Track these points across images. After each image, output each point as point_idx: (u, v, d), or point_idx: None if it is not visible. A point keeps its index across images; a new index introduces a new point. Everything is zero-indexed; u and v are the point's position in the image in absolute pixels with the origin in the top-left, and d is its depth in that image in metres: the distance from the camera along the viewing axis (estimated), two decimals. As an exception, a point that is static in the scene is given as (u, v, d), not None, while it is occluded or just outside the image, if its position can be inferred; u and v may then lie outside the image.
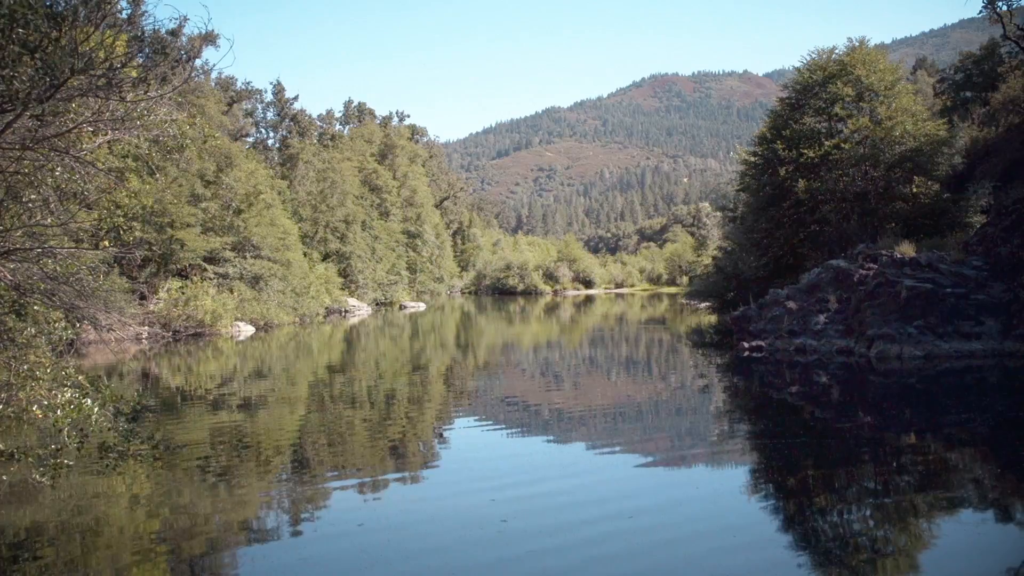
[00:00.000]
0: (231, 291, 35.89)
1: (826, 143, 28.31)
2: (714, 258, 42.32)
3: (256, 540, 7.59)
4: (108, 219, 8.81)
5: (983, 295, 19.21)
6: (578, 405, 15.67)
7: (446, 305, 67.02)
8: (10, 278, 7.86)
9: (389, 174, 71.53)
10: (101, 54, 6.72)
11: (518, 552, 6.97)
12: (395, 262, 66.55)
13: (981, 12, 27.73)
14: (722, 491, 8.92)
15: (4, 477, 9.05)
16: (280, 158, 60.34)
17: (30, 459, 7.48)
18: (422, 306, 62.61)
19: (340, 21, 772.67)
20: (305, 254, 47.71)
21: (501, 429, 13.27)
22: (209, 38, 39.54)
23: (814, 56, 30.50)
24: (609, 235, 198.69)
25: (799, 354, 20.62)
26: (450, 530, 7.61)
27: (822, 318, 21.34)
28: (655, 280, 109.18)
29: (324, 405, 15.91)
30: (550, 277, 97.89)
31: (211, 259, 36.52)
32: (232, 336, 32.95)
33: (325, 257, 53.83)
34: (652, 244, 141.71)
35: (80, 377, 8.11)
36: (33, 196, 7.78)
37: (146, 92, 7.27)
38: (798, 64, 31.69)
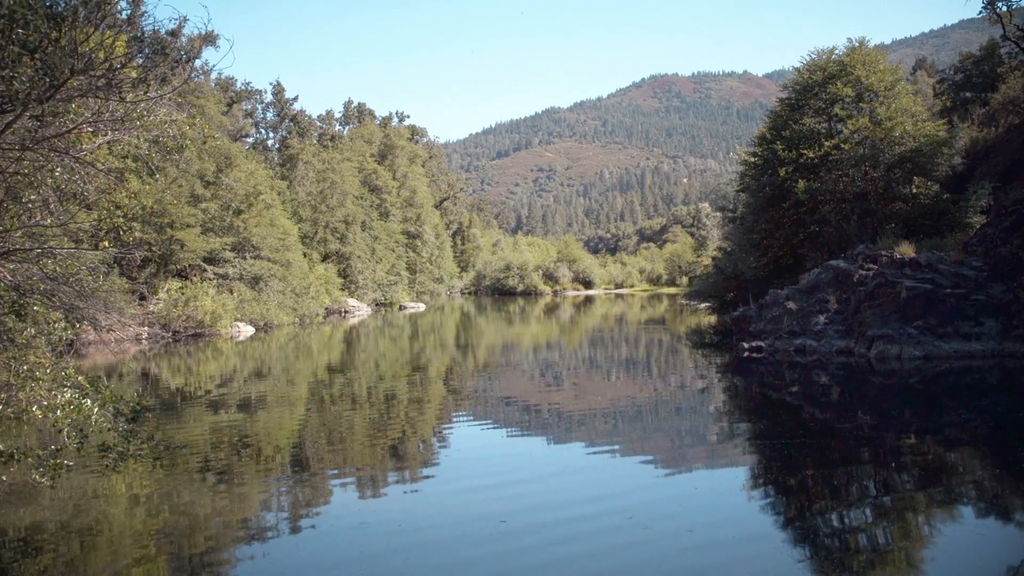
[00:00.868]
0: (231, 291, 35.90)
1: (826, 143, 28.32)
2: (714, 259, 42.31)
3: (256, 540, 7.59)
4: (108, 219, 8.81)
5: (983, 295, 19.21)
6: (578, 405, 15.66)
7: (446, 306, 67.03)
8: (10, 278, 7.86)
9: (389, 174, 71.55)
10: (101, 54, 6.72)
11: (518, 552, 6.97)
12: (395, 263, 66.55)
13: (981, 13, 27.78)
14: (721, 491, 8.92)
15: (4, 478, 9.05)
16: (280, 158, 60.36)
17: (30, 459, 7.47)
18: (422, 306, 62.61)
19: (340, 21, 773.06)
20: (305, 255, 47.72)
21: (501, 429, 13.28)
22: (209, 38, 39.60)
23: (814, 56, 30.50)
24: (609, 235, 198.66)
25: (799, 354, 20.62)
26: (450, 529, 7.61)
27: (822, 319, 21.34)
28: (655, 281, 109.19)
29: (324, 405, 15.90)
30: (550, 278, 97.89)
31: (211, 259, 36.53)
32: (232, 336, 32.95)
33: (325, 258, 53.85)
34: (652, 244, 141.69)
35: (80, 377, 8.11)
36: (33, 196, 7.78)
37: (146, 92, 7.27)
38: (798, 64, 31.72)
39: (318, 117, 71.08)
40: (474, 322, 47.76)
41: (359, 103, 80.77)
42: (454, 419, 14.59)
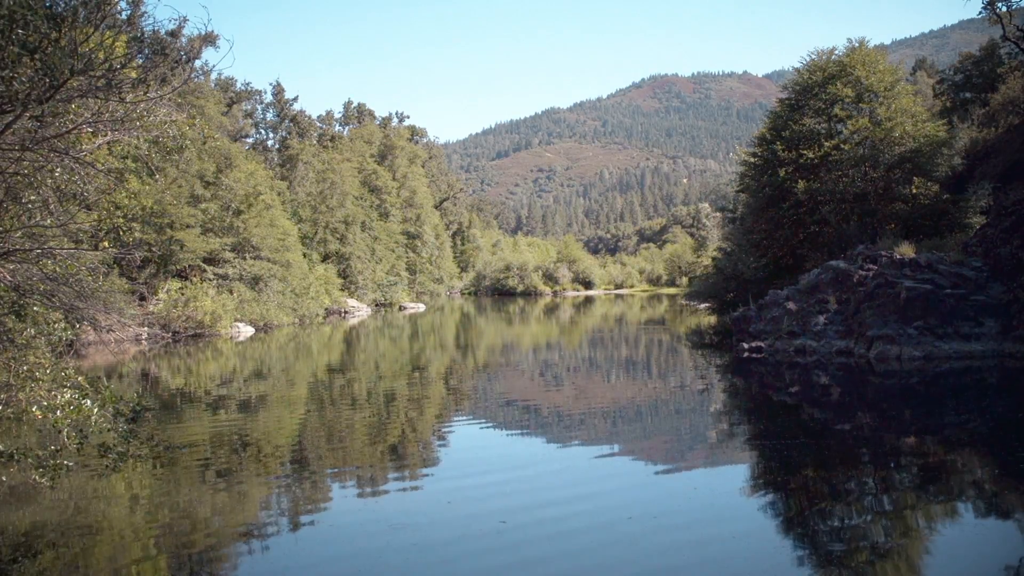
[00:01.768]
0: (231, 292, 35.89)
1: (826, 144, 28.32)
2: (713, 259, 42.29)
3: (256, 539, 7.59)
4: (108, 220, 8.81)
5: (983, 296, 19.22)
6: (577, 406, 15.66)
7: (445, 306, 67.02)
8: (10, 279, 7.86)
9: (389, 175, 71.56)
10: (101, 55, 6.72)
11: (517, 552, 6.97)
12: (395, 263, 66.55)
13: (981, 13, 27.77)
14: (721, 491, 8.92)
15: (4, 478, 9.05)
16: (280, 159, 60.36)
17: (30, 460, 7.47)
18: (421, 307, 62.61)
19: (340, 22, 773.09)
20: (305, 255, 47.71)
21: (500, 429, 13.28)
22: (209, 39, 39.57)
23: (814, 57, 30.51)
24: (609, 236, 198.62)
25: (799, 355, 20.62)
26: (449, 530, 7.61)
27: (822, 319, 21.34)
28: (655, 281, 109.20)
29: (324, 405, 15.91)
30: (549, 278, 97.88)
31: (211, 260, 36.53)
32: (231, 337, 32.95)
33: (325, 258, 53.84)
34: (652, 245, 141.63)
35: (80, 378, 8.11)
36: (33, 197, 7.78)
37: (146, 93, 7.27)
38: (798, 65, 31.73)
39: (318, 117, 71.16)
40: (474, 322, 47.75)
41: (359, 103, 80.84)
42: (454, 419, 14.59)
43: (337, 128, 75.30)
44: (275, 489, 9.59)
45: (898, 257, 20.64)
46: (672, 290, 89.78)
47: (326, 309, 47.30)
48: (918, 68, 63.66)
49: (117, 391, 8.11)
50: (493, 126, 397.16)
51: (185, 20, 9.71)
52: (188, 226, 33.93)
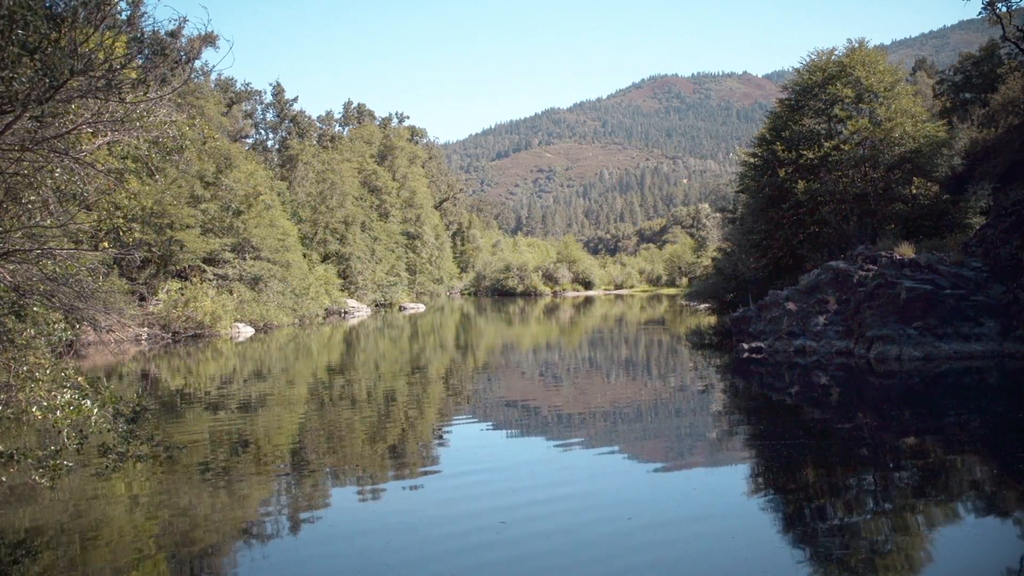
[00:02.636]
0: (230, 292, 35.89)
1: (826, 144, 28.32)
2: (713, 259, 42.33)
3: (255, 541, 7.59)
4: (108, 220, 8.81)
5: (982, 296, 19.22)
6: (577, 406, 15.66)
7: (445, 306, 67.02)
8: (9, 279, 7.86)
9: (388, 175, 71.55)
10: (101, 55, 6.72)
11: (517, 553, 6.97)
12: (394, 263, 66.53)
13: (981, 13, 27.79)
14: (721, 491, 8.92)
15: (4, 479, 9.05)
16: (279, 159, 60.37)
17: (30, 460, 7.47)
18: (421, 307, 62.60)
19: (340, 22, 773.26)
20: (304, 255, 47.70)
21: (500, 430, 13.27)
22: (208, 39, 39.59)
23: (813, 57, 30.52)
24: (608, 236, 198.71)
25: (798, 355, 20.62)
26: (449, 531, 7.61)
27: (821, 319, 21.34)
28: (654, 281, 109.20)
29: (323, 406, 15.90)
30: (549, 278, 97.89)
31: (210, 260, 36.53)
32: (231, 337, 32.94)
33: (324, 258, 53.83)
34: (651, 245, 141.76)
35: (79, 378, 8.10)
36: (32, 197, 7.78)
37: (146, 93, 7.27)
38: (797, 65, 31.76)
39: (318, 118, 71.16)
40: (474, 323, 47.75)
41: (359, 104, 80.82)
42: (453, 419, 14.58)
43: (337, 128, 75.32)
44: (275, 489, 9.59)
45: (898, 257, 20.64)
46: (672, 290, 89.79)
47: (326, 309, 47.29)
48: (918, 68, 63.69)
49: (117, 391, 8.11)
50: (493, 126, 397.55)
51: (185, 20, 9.72)
52: (188, 226, 33.93)
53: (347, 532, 7.72)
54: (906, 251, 21.07)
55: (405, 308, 60.78)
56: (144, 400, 8.56)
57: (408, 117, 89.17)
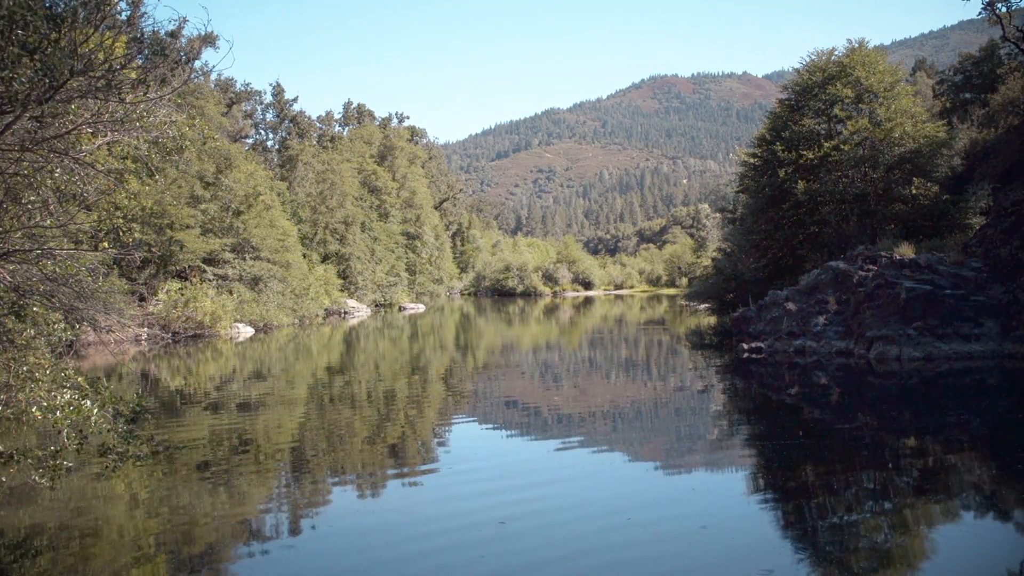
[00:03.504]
0: (230, 292, 35.89)
1: (825, 144, 28.32)
2: (713, 260, 42.33)
3: (255, 542, 7.59)
4: (107, 220, 8.80)
5: (982, 297, 19.22)
6: (577, 407, 15.66)
7: (445, 306, 67.02)
8: (9, 280, 7.86)
9: (388, 175, 71.54)
10: (100, 55, 6.72)
11: (516, 552, 6.97)
12: (394, 263, 66.53)
13: (981, 13, 27.77)
14: (720, 492, 8.92)
15: (4, 479, 9.04)
16: (279, 159, 60.39)
17: (30, 461, 7.47)
18: (421, 307, 62.60)
19: (339, 22, 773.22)
20: (304, 255, 47.70)
21: (500, 430, 13.27)
22: (208, 39, 39.63)
23: (813, 57, 30.52)
24: (608, 236, 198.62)
25: (798, 355, 20.62)
26: (449, 531, 7.61)
27: (821, 320, 21.34)
28: (654, 282, 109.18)
29: (323, 406, 15.90)
30: (549, 278, 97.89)
31: (210, 260, 36.53)
32: (231, 337, 32.94)
33: (324, 258, 53.82)
34: (651, 246, 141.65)
35: (79, 378, 8.10)
36: (32, 197, 7.78)
37: (145, 93, 7.27)
38: (797, 65, 31.76)
39: (318, 118, 71.17)
40: (474, 323, 47.75)
41: (359, 104, 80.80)
42: (453, 420, 14.58)
43: (337, 129, 75.32)
44: (275, 489, 9.59)
45: (898, 258, 20.64)
46: (672, 291, 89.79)
47: (326, 310, 47.30)
48: (918, 69, 63.69)
49: (117, 392, 8.11)
50: (493, 127, 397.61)
51: (185, 21, 9.72)
52: (188, 227, 33.93)
53: (347, 531, 7.72)
54: (906, 251, 21.07)
55: (405, 308, 60.78)
56: (144, 400, 8.56)
57: (408, 117, 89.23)
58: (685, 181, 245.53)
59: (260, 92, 63.83)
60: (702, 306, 42.01)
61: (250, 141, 61.19)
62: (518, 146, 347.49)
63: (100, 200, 8.56)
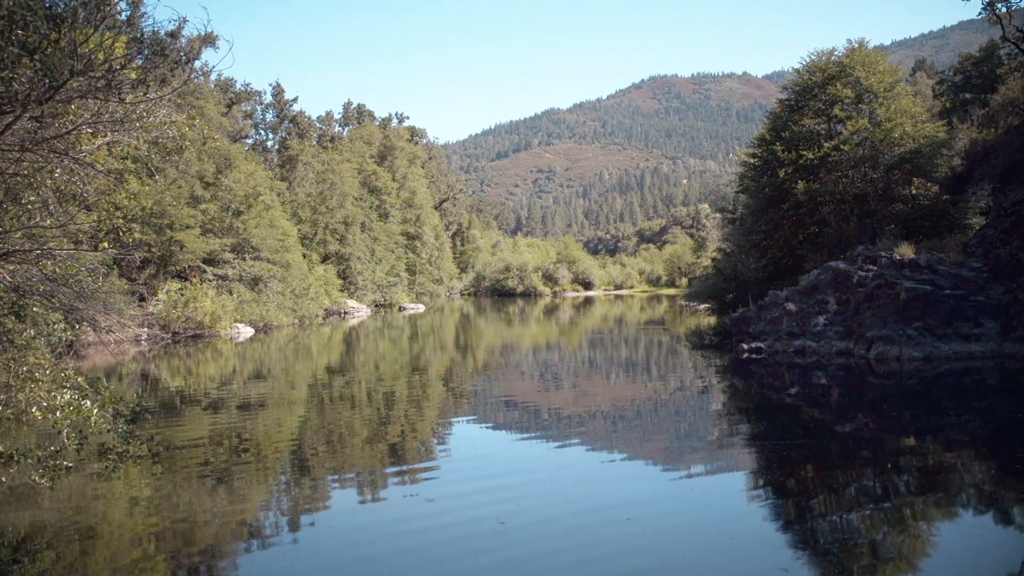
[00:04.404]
0: (230, 293, 35.88)
1: (825, 145, 28.33)
2: (713, 260, 42.32)
3: (255, 540, 7.59)
4: (107, 221, 8.80)
5: (982, 297, 19.22)
6: (577, 407, 15.66)
7: (445, 306, 67.00)
8: (9, 280, 7.86)
9: (388, 176, 71.52)
10: (100, 56, 6.72)
11: (516, 553, 6.97)
12: (394, 263, 66.52)
13: (981, 14, 27.76)
14: (720, 492, 8.92)
15: (4, 479, 9.04)
16: (279, 160, 60.36)
17: (29, 461, 7.47)
18: (421, 307, 62.59)
19: (339, 22, 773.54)
20: (304, 256, 47.70)
21: (500, 430, 13.27)
22: (208, 39, 39.58)
23: (813, 58, 30.54)
24: (608, 236, 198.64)
25: (798, 356, 20.62)
26: (448, 531, 7.61)
27: (821, 320, 21.34)
28: (654, 282, 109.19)
29: (323, 406, 15.90)
30: (549, 279, 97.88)
31: (210, 261, 36.53)
32: (231, 338, 32.93)
33: (324, 259, 53.82)
34: (651, 246, 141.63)
35: (79, 379, 8.10)
36: (32, 198, 7.78)
37: (145, 94, 7.27)
38: (797, 66, 31.77)
39: (317, 118, 71.14)
40: (473, 323, 47.75)
41: (359, 104, 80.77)
42: (453, 420, 14.58)
43: (337, 129, 75.29)
44: (274, 490, 9.59)
45: (898, 258, 20.64)
46: (672, 291, 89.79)
47: (326, 310, 47.28)
48: (918, 69, 63.70)
49: (117, 392, 8.11)
50: (493, 127, 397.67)
51: (185, 21, 9.72)
52: (188, 227, 33.93)
53: (347, 532, 7.72)
54: (906, 251, 21.07)
55: (405, 308, 60.77)
56: (144, 401, 8.56)
57: (408, 117, 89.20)
58: (685, 181, 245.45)
59: (260, 92, 63.86)
60: (702, 306, 42.03)
61: (250, 141, 61.21)
62: (518, 146, 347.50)
63: (100, 200, 8.57)
